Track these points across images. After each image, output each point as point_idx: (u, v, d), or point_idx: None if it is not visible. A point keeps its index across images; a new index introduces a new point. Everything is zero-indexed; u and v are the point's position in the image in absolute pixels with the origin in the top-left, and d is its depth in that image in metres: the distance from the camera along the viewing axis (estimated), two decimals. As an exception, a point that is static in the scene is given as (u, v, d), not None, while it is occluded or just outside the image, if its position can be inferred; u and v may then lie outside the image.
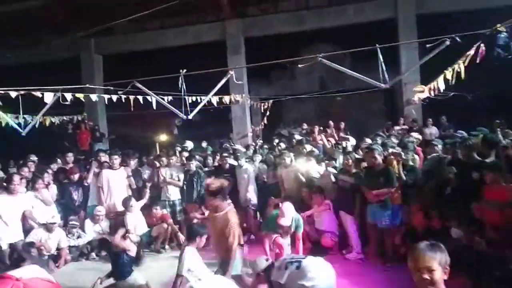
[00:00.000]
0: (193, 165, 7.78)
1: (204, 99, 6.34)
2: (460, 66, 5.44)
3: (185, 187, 7.59)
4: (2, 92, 5.14)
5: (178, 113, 5.80)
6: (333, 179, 6.86)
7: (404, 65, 11.51)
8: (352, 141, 7.61)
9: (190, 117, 5.79)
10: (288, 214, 5.46)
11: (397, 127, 11.07)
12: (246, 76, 12.69)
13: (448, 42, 4.36)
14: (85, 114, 12.78)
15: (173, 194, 7.54)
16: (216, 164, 8.30)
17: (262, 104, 13.14)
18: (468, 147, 5.50)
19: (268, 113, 13.05)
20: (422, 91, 8.63)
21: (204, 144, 11.47)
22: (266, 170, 8.07)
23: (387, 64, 5.49)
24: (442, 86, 6.94)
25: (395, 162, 6.01)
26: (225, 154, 7.84)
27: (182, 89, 5.55)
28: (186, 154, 8.76)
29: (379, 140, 7.40)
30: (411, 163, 6.20)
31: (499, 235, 4.70)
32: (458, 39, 4.17)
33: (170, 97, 7.46)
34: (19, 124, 5.88)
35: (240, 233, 4.62)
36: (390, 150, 6.23)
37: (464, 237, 5.06)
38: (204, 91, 7.91)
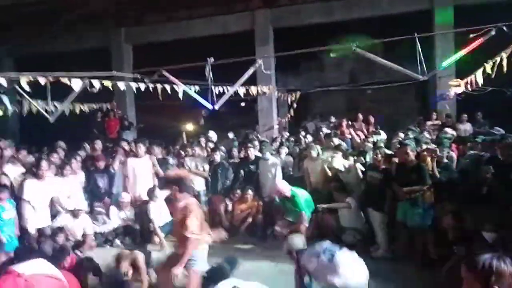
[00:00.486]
0: (218, 156, 7.71)
1: (231, 89, 6.21)
2: (503, 58, 5.10)
3: (209, 178, 7.54)
4: (32, 78, 5.17)
5: (204, 103, 5.71)
6: (360, 174, 6.65)
7: (439, 57, 11.03)
8: (383, 136, 7.35)
9: (216, 107, 5.69)
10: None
11: (429, 122, 10.65)
12: (273, 67, 12.49)
13: (493, 32, 4.07)
14: (114, 103, 12.89)
15: (198, 184, 7.49)
16: (241, 155, 8.21)
17: (290, 96, 12.92)
18: (508, 146, 5.19)
19: (295, 105, 12.82)
20: (458, 85, 8.23)
21: (230, 135, 11.39)
22: (292, 163, 7.93)
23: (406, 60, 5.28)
24: (480, 80, 6.59)
25: (429, 159, 5.74)
26: (249, 145, 7.72)
27: (209, 78, 5.44)
28: (211, 145, 8.70)
29: (411, 135, 7.11)
30: (445, 160, 5.91)
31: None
32: (505, 28, 3.88)
33: (197, 87, 7.41)
34: (49, 111, 5.93)
35: (203, 228, 4.23)
36: (424, 146, 5.96)
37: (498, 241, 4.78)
38: (232, 82, 7.83)
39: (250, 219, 7.24)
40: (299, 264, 3.20)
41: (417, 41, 4.55)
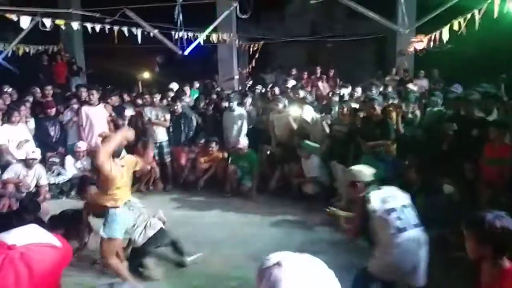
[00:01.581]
0: (179, 106, 7.42)
1: (202, 34, 5.85)
2: (475, 15, 5.12)
3: (171, 129, 7.27)
4: (-27, 12, 4.54)
5: (174, 49, 5.33)
6: (326, 128, 6.69)
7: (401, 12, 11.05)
8: (349, 90, 7.36)
9: (186, 52, 5.35)
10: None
11: (388, 77, 10.84)
12: (234, 14, 11.96)
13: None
14: (61, 45, 11.88)
15: (160, 135, 7.22)
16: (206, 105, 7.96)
17: (251, 46, 12.54)
18: (471, 102, 5.36)
19: (257, 55, 12.49)
20: (421, 41, 8.33)
21: (196, 85, 10.95)
22: (256, 115, 7.82)
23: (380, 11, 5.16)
24: (446, 37, 6.65)
25: (394, 114, 5.84)
26: (219, 95, 7.50)
27: (179, 20, 5.05)
28: (171, 94, 8.31)
29: (374, 90, 7.18)
30: (410, 116, 6.05)
31: (494, 192, 4.70)
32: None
33: (156, 30, 6.92)
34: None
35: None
36: (390, 101, 6.04)
37: (456, 194, 5.05)
38: (191, 26, 7.37)
39: (210, 172, 7.17)
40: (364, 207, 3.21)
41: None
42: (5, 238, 1.17)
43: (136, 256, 4.36)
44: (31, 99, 7.80)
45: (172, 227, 4.89)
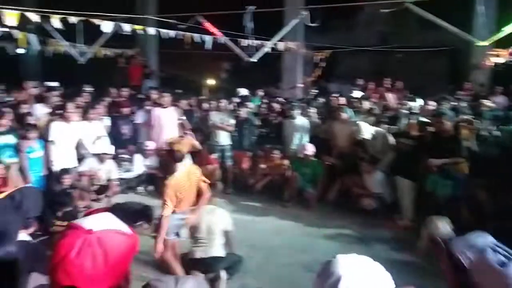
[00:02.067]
0: (243, 111, 7.57)
1: (270, 42, 5.94)
2: None
3: (235, 133, 7.44)
4: (63, 16, 4.97)
5: (242, 55, 5.47)
6: (390, 141, 6.47)
7: (479, 24, 10.44)
8: (419, 102, 7.05)
9: (254, 59, 5.45)
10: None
11: (461, 92, 10.24)
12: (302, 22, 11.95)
13: None
14: (137, 49, 12.63)
15: (223, 139, 7.40)
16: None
17: (317, 55, 12.46)
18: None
19: (323, 64, 12.38)
20: (499, 55, 7.84)
21: (261, 93, 11.12)
22: (319, 124, 7.74)
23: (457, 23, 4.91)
24: (529, 51, 6.21)
25: (466, 130, 5.52)
26: (277, 102, 7.54)
27: (250, 28, 5.17)
28: (237, 99, 8.50)
29: (446, 105, 6.83)
30: (484, 133, 5.69)
31: None
32: None
33: (226, 38, 7.12)
34: (78, 52, 5.78)
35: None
36: (463, 116, 5.72)
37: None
38: (259, 34, 7.48)
39: (268, 178, 7.20)
40: (450, 254, 2.48)
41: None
42: (83, 223, 1.26)
43: (189, 265, 4.30)
44: (107, 98, 8.34)
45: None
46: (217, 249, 4.23)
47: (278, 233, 5.71)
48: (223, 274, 4.12)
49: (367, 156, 6.48)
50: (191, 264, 4.26)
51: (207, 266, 4.17)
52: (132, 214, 1.97)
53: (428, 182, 5.68)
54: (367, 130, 6.70)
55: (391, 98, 7.74)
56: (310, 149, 6.76)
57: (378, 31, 14.10)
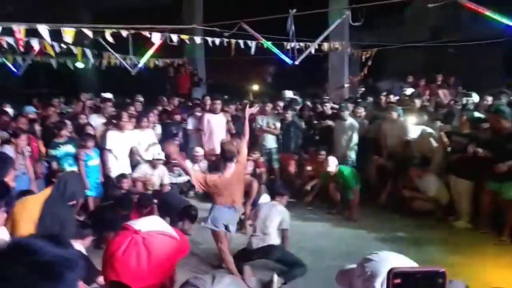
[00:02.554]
0: (289, 114, 7.58)
1: (313, 43, 5.93)
2: None
3: (281, 136, 7.47)
4: (115, 30, 5.26)
5: (285, 59, 5.50)
6: (434, 142, 6.23)
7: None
8: (475, 98, 6.71)
9: (297, 62, 5.47)
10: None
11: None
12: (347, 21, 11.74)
13: None
14: (185, 58, 13.03)
15: (269, 142, 7.46)
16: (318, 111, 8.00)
17: (364, 53, 12.21)
18: None
19: (369, 63, 12.10)
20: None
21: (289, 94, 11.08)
22: (367, 124, 7.59)
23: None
24: None
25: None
26: (327, 103, 7.49)
27: (291, 31, 5.20)
28: (281, 103, 8.50)
29: (503, 99, 6.44)
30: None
31: None
32: None
33: (269, 42, 7.17)
34: (130, 64, 6.07)
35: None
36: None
37: None
38: (303, 36, 7.46)
39: (315, 180, 7.12)
40: None
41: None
42: (133, 224, 1.35)
43: (241, 257, 4.54)
44: (159, 107, 8.67)
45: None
46: (274, 239, 4.44)
47: (326, 236, 5.67)
48: (275, 277, 4.18)
49: (416, 159, 6.25)
50: (248, 254, 4.48)
51: (264, 253, 4.39)
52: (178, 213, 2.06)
53: (489, 182, 5.36)
54: (414, 130, 6.48)
55: (443, 94, 7.42)
56: (333, 165, 6.32)
57: (427, 26, 13.57)
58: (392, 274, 1.00)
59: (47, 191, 3.40)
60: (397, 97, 8.17)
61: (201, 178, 4.42)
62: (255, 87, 14.65)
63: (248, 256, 4.50)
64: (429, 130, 6.41)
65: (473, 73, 13.14)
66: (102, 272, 1.31)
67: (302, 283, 4.35)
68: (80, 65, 10.24)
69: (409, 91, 7.74)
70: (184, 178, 7.38)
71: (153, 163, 6.81)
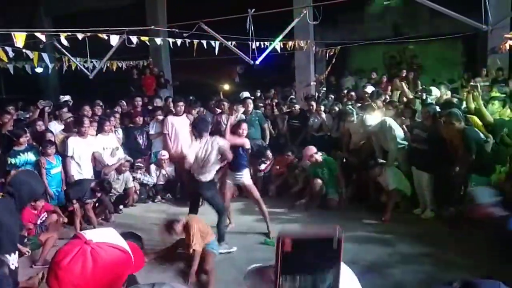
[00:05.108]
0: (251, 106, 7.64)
1: (273, 43, 5.94)
2: None
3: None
4: (70, 34, 5.10)
5: (245, 58, 5.49)
6: (398, 132, 6.36)
7: (493, 8, 10.13)
8: (435, 92, 6.90)
9: (257, 62, 5.47)
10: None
11: (478, 79, 9.98)
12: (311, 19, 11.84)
13: None
14: (150, 60, 12.83)
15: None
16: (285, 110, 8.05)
17: (328, 51, 12.36)
18: None
19: (333, 60, 12.27)
20: (515, 38, 7.59)
21: (272, 92, 11.15)
22: (331, 122, 7.68)
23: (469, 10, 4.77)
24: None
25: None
26: (294, 100, 7.54)
27: (250, 31, 5.19)
28: (251, 102, 8.47)
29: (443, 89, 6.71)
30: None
31: None
32: None
33: (233, 42, 7.16)
34: (87, 68, 5.92)
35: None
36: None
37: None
38: (267, 35, 7.49)
39: (280, 181, 7.19)
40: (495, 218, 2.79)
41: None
42: (85, 233, 1.34)
43: None
44: (119, 110, 8.47)
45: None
46: None
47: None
48: None
49: (372, 159, 6.33)
50: None
51: None
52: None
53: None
54: (373, 121, 6.58)
55: (406, 89, 7.60)
56: (313, 151, 6.51)
57: (388, 23, 13.87)
58: (281, 241, 0.91)
59: None
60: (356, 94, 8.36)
61: None
62: (225, 87, 14.58)
63: None
64: (388, 121, 6.50)
65: (435, 67, 13.58)
66: (46, 279, 1.28)
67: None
68: (39, 69, 9.92)
69: (369, 88, 7.90)
70: (148, 180, 7.30)
71: (118, 169, 6.68)
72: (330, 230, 0.90)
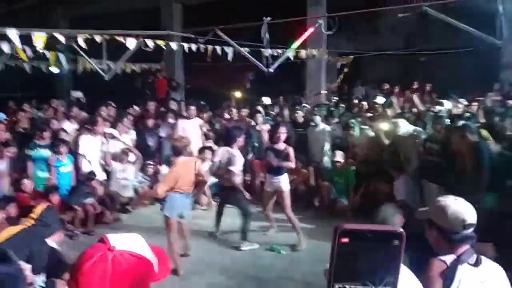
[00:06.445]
0: (260, 119, 7.64)
1: (287, 51, 5.99)
2: None
3: (254, 143, 7.48)
4: (89, 36, 5.20)
5: (259, 66, 5.54)
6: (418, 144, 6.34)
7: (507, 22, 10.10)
8: (447, 105, 6.89)
9: (271, 70, 5.52)
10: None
11: (490, 93, 9.89)
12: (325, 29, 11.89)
13: None
14: (163, 63, 12.97)
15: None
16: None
17: (340, 60, 12.39)
18: None
19: (346, 69, 12.30)
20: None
21: (281, 100, 11.20)
22: (340, 131, 7.69)
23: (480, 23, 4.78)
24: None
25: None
26: (297, 107, 7.57)
27: (265, 39, 5.25)
28: (260, 110, 8.53)
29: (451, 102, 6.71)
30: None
31: None
32: None
33: (246, 48, 7.23)
34: (104, 70, 6.02)
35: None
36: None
37: None
38: (281, 43, 7.55)
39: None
40: None
41: (499, -1, 4.05)
42: (111, 239, 1.32)
43: None
44: (133, 112, 8.57)
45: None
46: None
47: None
48: None
49: (393, 162, 6.36)
50: None
51: None
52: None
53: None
54: (403, 128, 6.56)
55: (418, 101, 7.59)
56: (340, 156, 6.71)
57: (401, 34, 13.87)
58: (340, 231, 0.88)
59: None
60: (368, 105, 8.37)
61: None
62: (235, 93, 14.66)
63: None
64: (411, 132, 6.49)
65: (448, 80, 13.50)
66: (69, 280, 1.29)
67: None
68: (54, 69, 10.07)
69: (380, 99, 7.91)
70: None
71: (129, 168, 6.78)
72: (391, 227, 0.89)
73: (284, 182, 5.39)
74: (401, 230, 0.88)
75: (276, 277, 4.69)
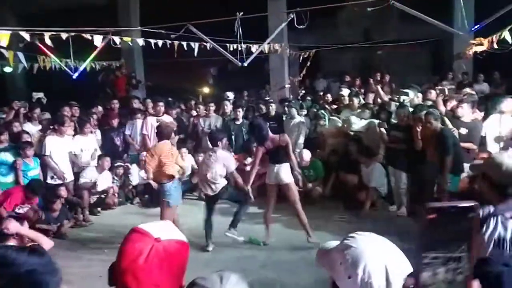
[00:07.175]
0: (241, 114, 7.67)
1: (261, 46, 6.06)
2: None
3: (233, 138, 7.51)
4: (54, 33, 5.02)
5: (233, 60, 5.58)
6: (383, 133, 6.64)
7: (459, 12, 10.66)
8: (411, 95, 7.21)
9: (245, 64, 5.57)
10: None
11: (445, 82, 10.47)
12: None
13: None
14: (122, 60, 12.64)
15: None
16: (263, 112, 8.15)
17: (302, 54, 12.60)
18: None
19: (308, 63, 12.52)
20: (481, 44, 8.02)
21: (245, 95, 11.26)
22: (309, 123, 7.88)
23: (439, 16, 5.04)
24: (509, 39, 6.38)
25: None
26: (271, 100, 7.68)
27: (238, 33, 5.29)
28: (228, 103, 8.54)
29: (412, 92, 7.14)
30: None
31: None
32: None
33: (213, 44, 7.20)
34: (69, 69, 5.84)
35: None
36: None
37: None
38: (245, 38, 7.59)
39: (261, 181, 7.27)
40: None
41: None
42: (150, 230, 1.32)
43: None
44: (97, 111, 8.34)
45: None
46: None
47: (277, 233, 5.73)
48: None
49: (364, 149, 6.62)
50: None
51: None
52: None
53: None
54: (359, 124, 6.87)
55: (381, 92, 7.89)
56: (307, 157, 6.82)
57: (362, 27, 14.28)
58: (427, 209, 1.05)
59: None
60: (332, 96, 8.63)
61: None
62: (199, 89, 14.55)
63: None
64: (375, 122, 6.79)
65: (404, 71, 14.09)
66: (119, 281, 1.26)
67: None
68: (7, 69, 9.59)
69: (345, 91, 8.16)
70: (131, 184, 7.26)
71: (100, 168, 6.62)
72: (468, 202, 1.07)
73: (285, 172, 5.14)
74: (476, 203, 1.07)
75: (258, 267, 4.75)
